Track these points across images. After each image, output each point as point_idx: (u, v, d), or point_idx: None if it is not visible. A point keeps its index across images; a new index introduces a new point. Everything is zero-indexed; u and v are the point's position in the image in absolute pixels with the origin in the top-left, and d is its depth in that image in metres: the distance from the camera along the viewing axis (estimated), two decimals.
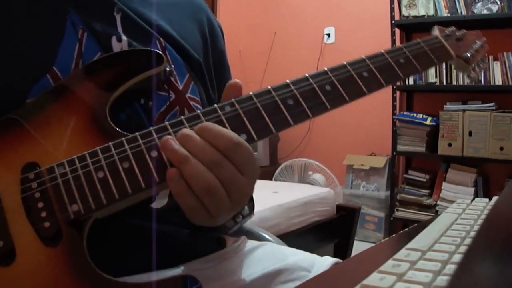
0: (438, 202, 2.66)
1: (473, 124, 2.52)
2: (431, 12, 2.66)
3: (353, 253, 2.03)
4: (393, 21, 2.78)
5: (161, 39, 0.60)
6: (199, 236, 0.63)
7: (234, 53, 3.50)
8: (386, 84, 0.56)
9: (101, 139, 0.48)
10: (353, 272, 0.39)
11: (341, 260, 0.66)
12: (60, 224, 0.44)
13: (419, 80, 2.78)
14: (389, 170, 2.88)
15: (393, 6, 2.78)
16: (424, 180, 2.74)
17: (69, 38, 0.54)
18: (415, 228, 0.49)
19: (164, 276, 0.54)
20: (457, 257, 0.35)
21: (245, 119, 0.48)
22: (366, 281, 0.31)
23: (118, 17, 0.59)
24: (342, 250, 1.99)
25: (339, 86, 0.53)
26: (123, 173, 0.45)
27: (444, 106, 2.68)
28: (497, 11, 2.50)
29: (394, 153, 2.79)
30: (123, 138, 0.47)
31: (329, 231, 2.00)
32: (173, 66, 0.59)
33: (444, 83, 2.70)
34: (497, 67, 2.56)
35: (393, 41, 2.82)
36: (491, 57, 2.57)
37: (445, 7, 2.62)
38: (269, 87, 0.51)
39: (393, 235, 0.53)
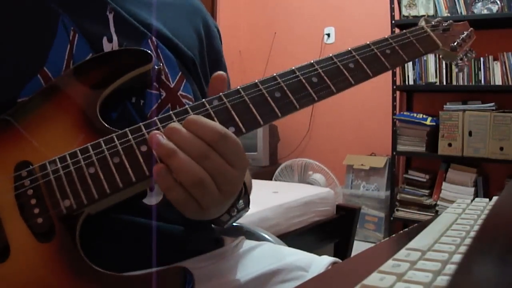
0: (438, 202, 2.66)
1: (473, 124, 2.52)
2: (431, 12, 2.66)
3: (353, 253, 2.03)
4: (393, 21, 2.78)
5: (153, 38, 0.61)
6: (196, 234, 0.63)
7: (234, 53, 3.50)
8: (373, 75, 0.57)
9: (92, 137, 0.49)
10: (353, 272, 0.39)
11: (339, 260, 0.66)
12: (53, 219, 0.45)
13: (419, 80, 2.78)
14: (389, 170, 2.88)
15: (393, 6, 2.78)
16: (424, 180, 2.74)
17: (61, 39, 0.55)
18: (415, 228, 0.49)
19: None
20: (457, 257, 0.35)
21: (233, 112, 0.49)
22: (366, 281, 0.31)
23: (110, 17, 0.59)
24: (342, 250, 1.99)
25: (325, 78, 0.54)
26: (114, 168, 0.46)
27: (444, 106, 2.68)
28: (497, 11, 2.50)
29: (394, 153, 2.79)
30: (113, 134, 0.48)
31: (329, 231, 2.00)
32: (161, 64, 0.60)
33: (444, 83, 2.70)
34: (497, 67, 2.56)
35: None
36: (491, 57, 2.57)
37: (445, 7, 2.62)
38: (256, 80, 0.52)
39: (393, 235, 0.53)
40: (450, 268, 0.33)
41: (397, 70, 2.81)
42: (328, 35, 3.29)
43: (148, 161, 0.46)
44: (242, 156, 0.47)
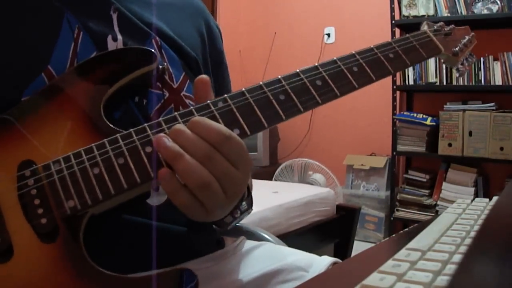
0: (438, 202, 2.66)
1: (473, 124, 2.52)
2: (431, 12, 2.66)
3: (353, 253, 2.03)
4: (393, 21, 2.78)
5: (157, 38, 0.61)
6: (198, 235, 0.63)
7: (234, 53, 3.50)
8: (376, 78, 0.57)
9: (96, 137, 0.48)
10: (353, 272, 0.39)
11: (339, 260, 0.66)
12: (57, 220, 0.44)
13: (419, 80, 2.78)
14: (389, 170, 2.88)
15: (393, 6, 2.78)
16: (424, 180, 2.74)
17: (65, 37, 0.55)
18: (415, 228, 0.49)
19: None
20: (457, 257, 0.35)
21: (237, 114, 0.49)
22: (366, 281, 0.31)
23: (114, 17, 0.59)
24: (342, 250, 1.99)
25: (329, 81, 0.54)
26: (118, 168, 0.46)
27: (444, 106, 2.68)
28: (497, 11, 2.50)
29: (394, 153, 2.79)
30: (117, 135, 0.47)
31: (329, 231, 2.00)
32: (165, 64, 0.59)
33: (444, 83, 2.70)
34: (497, 67, 2.56)
35: None
36: (491, 57, 2.57)
37: (445, 7, 2.62)
38: (261, 82, 0.51)
39: (393, 235, 0.53)
40: (450, 268, 0.33)
41: None
42: (328, 35, 3.29)
43: (152, 162, 0.46)
44: (246, 158, 0.47)
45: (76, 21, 0.56)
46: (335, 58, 0.56)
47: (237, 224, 0.84)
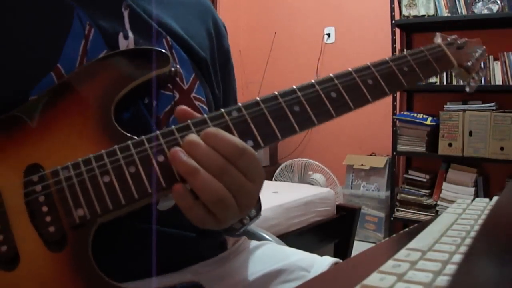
0: (438, 202, 2.66)
1: (473, 124, 2.52)
2: (431, 12, 2.66)
3: (353, 253, 2.03)
4: (393, 21, 2.78)
5: (168, 37, 0.60)
6: (204, 239, 0.62)
7: (234, 52, 3.47)
8: (389, 92, 0.56)
9: (105, 141, 0.47)
10: (353, 272, 0.39)
11: (340, 260, 0.66)
12: (65, 228, 0.43)
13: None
14: (389, 170, 2.88)
15: (393, 6, 2.78)
16: (424, 180, 2.74)
17: (76, 34, 0.53)
18: (415, 228, 0.49)
19: (171, 282, 0.54)
20: (457, 257, 0.35)
21: (252, 125, 0.48)
22: (366, 281, 0.31)
23: (126, 14, 0.57)
24: (342, 250, 1.99)
25: (344, 94, 0.52)
26: (130, 178, 0.44)
27: (444, 106, 2.68)
28: (497, 11, 2.50)
29: (394, 153, 2.79)
30: (129, 142, 0.46)
31: (329, 231, 2.00)
32: (178, 66, 0.58)
33: (444, 83, 2.70)
34: (497, 67, 2.56)
35: (393, 41, 2.82)
36: (491, 57, 2.57)
37: (445, 7, 2.62)
38: (276, 92, 0.50)
39: (393, 235, 0.53)
40: (451, 268, 0.33)
41: None
42: (328, 35, 3.28)
43: (164, 172, 0.45)
44: (260, 170, 0.46)
45: (87, 18, 0.54)
46: (350, 69, 0.54)
47: None
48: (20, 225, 0.43)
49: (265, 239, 0.83)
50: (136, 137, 0.47)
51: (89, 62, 0.52)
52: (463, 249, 0.37)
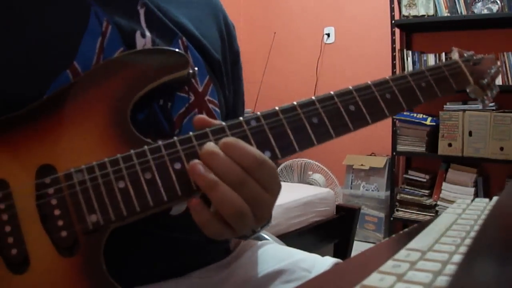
0: (438, 202, 2.66)
1: (473, 124, 2.52)
2: (431, 12, 2.66)
3: (353, 253, 2.03)
4: (393, 21, 2.78)
5: (183, 38, 0.59)
6: (211, 244, 0.62)
7: None
8: (406, 107, 0.55)
9: (120, 144, 0.46)
10: (353, 272, 0.39)
11: (341, 261, 0.66)
12: (78, 234, 0.42)
13: None
14: (389, 170, 2.88)
15: (393, 6, 2.78)
16: (424, 180, 2.74)
17: (93, 30, 0.52)
18: (415, 228, 0.49)
19: None
20: (457, 258, 0.35)
21: (270, 135, 0.47)
22: (366, 282, 0.31)
23: (141, 12, 0.56)
24: (342, 250, 1.99)
25: (363, 107, 0.52)
26: (145, 184, 0.43)
27: (444, 106, 2.68)
28: (497, 11, 2.50)
29: (394, 153, 2.79)
30: (145, 147, 0.45)
31: (329, 231, 2.00)
32: (196, 68, 0.57)
33: None
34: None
35: (393, 41, 2.82)
36: None
37: (445, 6, 2.62)
38: (295, 103, 0.49)
39: (393, 235, 0.53)
40: (450, 268, 0.33)
41: (397, 69, 2.82)
42: (328, 35, 3.29)
43: (181, 180, 0.44)
44: (277, 181, 0.46)
45: (104, 14, 0.53)
46: (369, 82, 0.54)
47: None
48: (31, 228, 0.42)
49: (265, 239, 0.83)
50: (149, 140, 0.46)
51: (106, 60, 0.51)
52: (463, 249, 0.37)
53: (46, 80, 0.48)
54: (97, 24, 0.52)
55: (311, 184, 2.74)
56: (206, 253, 0.62)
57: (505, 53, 2.52)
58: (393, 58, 2.81)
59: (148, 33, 0.55)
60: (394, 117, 2.78)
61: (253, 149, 0.44)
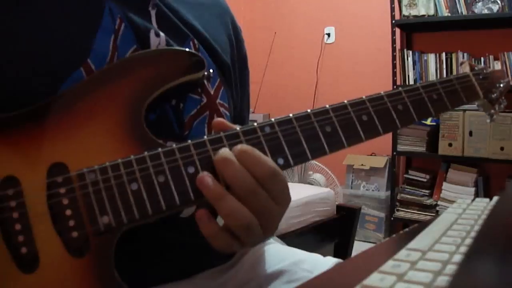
0: (439, 202, 2.66)
1: (474, 124, 2.52)
2: (432, 12, 2.66)
3: (353, 253, 2.03)
4: (393, 21, 2.78)
5: (195, 40, 0.58)
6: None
7: None
8: (417, 119, 0.55)
9: (134, 145, 0.45)
10: (353, 272, 0.39)
11: (342, 261, 0.66)
12: (89, 235, 0.42)
13: (420, 80, 2.78)
14: (389, 170, 2.88)
15: (393, 5, 2.78)
16: (425, 180, 2.74)
17: (106, 27, 0.51)
18: (415, 228, 0.49)
19: None
20: (457, 258, 0.35)
21: (284, 143, 0.47)
22: (366, 281, 0.30)
23: (153, 13, 0.56)
24: (342, 250, 1.99)
25: (375, 118, 0.52)
26: (158, 187, 0.43)
27: None
28: (497, 11, 2.50)
29: (395, 153, 2.79)
30: (159, 149, 0.44)
31: (329, 231, 2.00)
32: (211, 70, 0.56)
33: None
34: (497, 67, 2.56)
35: (393, 41, 2.81)
36: (491, 57, 2.57)
37: (445, 6, 2.62)
38: (309, 110, 0.49)
39: (393, 235, 0.53)
40: (451, 268, 0.33)
41: (397, 69, 2.81)
42: (328, 35, 3.29)
43: (194, 184, 0.43)
44: (288, 194, 0.46)
45: (119, 11, 0.52)
46: (382, 93, 0.54)
47: None
48: (41, 227, 0.41)
49: None
50: (161, 141, 0.46)
51: (121, 59, 0.51)
52: (463, 249, 0.37)
53: (60, 77, 0.48)
54: (110, 21, 0.52)
55: (311, 184, 2.73)
56: (211, 256, 0.61)
57: (505, 53, 2.53)
58: (394, 58, 2.81)
59: (162, 33, 0.55)
60: None
61: (268, 159, 0.44)
